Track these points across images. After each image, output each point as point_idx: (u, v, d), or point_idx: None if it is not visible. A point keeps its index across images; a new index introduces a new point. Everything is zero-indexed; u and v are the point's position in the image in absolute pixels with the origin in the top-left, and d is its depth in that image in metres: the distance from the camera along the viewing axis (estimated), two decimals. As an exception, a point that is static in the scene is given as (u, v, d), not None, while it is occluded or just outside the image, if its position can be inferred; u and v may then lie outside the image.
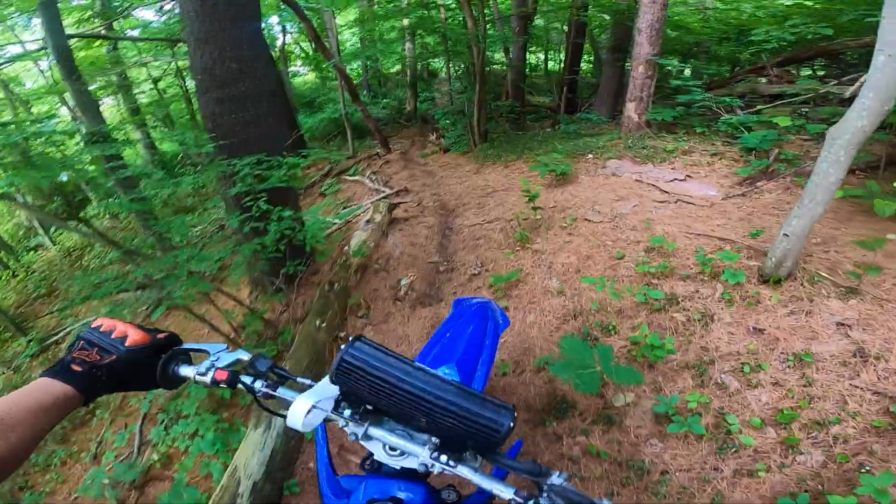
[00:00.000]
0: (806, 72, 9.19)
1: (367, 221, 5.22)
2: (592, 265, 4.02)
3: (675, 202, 4.77)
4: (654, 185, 5.17)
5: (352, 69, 18.31)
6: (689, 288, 3.44)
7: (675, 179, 5.21)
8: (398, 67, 17.25)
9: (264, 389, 0.94)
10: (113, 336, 0.87)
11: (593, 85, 12.71)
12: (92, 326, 0.90)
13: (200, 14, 3.60)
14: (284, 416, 0.87)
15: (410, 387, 0.86)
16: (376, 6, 14.66)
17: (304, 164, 4.54)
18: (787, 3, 9.40)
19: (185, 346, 0.97)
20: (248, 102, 3.87)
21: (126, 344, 0.87)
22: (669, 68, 7.37)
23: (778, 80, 8.10)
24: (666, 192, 5.00)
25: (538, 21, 11.43)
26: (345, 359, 0.88)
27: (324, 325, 3.98)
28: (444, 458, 0.87)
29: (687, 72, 9.40)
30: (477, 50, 7.94)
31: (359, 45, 15.85)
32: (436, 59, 16.15)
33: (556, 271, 4.10)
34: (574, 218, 4.74)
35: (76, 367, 0.81)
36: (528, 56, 11.91)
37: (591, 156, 6.34)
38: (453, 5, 11.22)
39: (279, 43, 16.08)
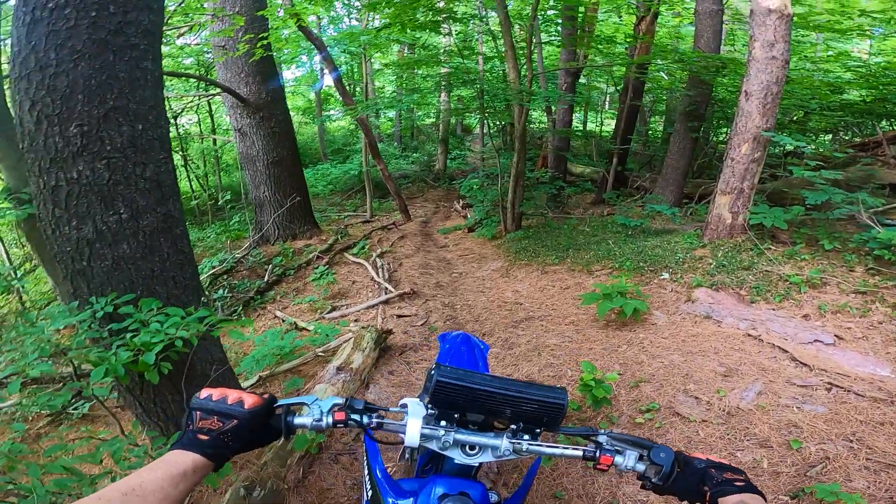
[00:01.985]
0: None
1: (339, 368, 3.30)
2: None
3: (828, 389, 2.70)
4: (781, 349, 3.11)
5: (388, 118, 17.02)
6: None
7: (818, 342, 3.13)
8: (432, 120, 15.77)
9: (374, 421, 0.99)
10: (230, 402, 0.88)
11: (645, 157, 10.74)
12: (201, 398, 0.89)
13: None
14: (393, 443, 1.13)
15: (497, 389, 0.98)
16: (415, 52, 13.29)
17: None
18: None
19: (283, 401, 0.97)
20: (119, 198, 2.06)
21: (246, 407, 0.88)
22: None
23: (898, 165, 5.97)
24: (805, 364, 2.94)
25: (581, 79, 9.65)
26: (440, 380, 0.96)
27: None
28: (526, 437, 1.00)
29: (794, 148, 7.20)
30: (519, 109, 6.13)
31: (395, 94, 14.49)
32: (470, 114, 14.57)
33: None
34: (656, 408, 2.72)
35: (202, 437, 0.82)
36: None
37: (666, 276, 4.31)
38: (492, 54, 9.60)
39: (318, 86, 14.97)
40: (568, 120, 8.85)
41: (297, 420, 0.95)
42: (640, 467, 0.94)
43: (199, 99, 10.48)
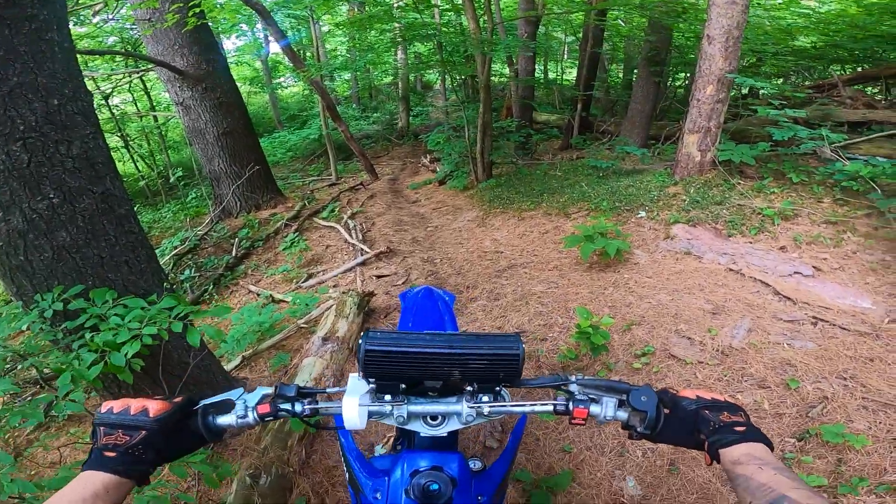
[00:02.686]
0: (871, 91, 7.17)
1: (325, 339, 3.11)
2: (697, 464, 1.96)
3: (814, 324, 2.71)
4: (763, 283, 3.11)
5: (344, 80, 16.10)
6: None
7: (797, 274, 3.14)
8: (390, 79, 15.03)
9: (308, 408, 0.89)
10: (133, 412, 0.80)
11: (608, 102, 10.59)
12: (102, 412, 0.81)
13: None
14: (334, 428, 1.07)
15: (438, 348, 0.85)
16: (366, 9, 12.43)
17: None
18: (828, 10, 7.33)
19: (204, 402, 0.86)
20: (45, 181, 1.75)
21: (151, 415, 0.79)
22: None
23: (853, 103, 6.06)
24: (788, 298, 2.94)
25: (540, 28, 9.26)
26: (369, 349, 0.85)
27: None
28: (485, 398, 0.88)
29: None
30: (482, 59, 5.81)
31: (348, 55, 13.66)
32: (430, 71, 13.93)
33: (635, 466, 2.05)
34: (651, 351, 2.67)
35: (109, 454, 0.74)
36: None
37: (643, 215, 4.25)
38: (448, 7, 9.06)
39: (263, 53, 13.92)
40: (531, 69, 8.52)
41: (220, 420, 0.86)
42: (622, 415, 0.82)
43: (130, 76, 9.49)
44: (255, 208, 6.78)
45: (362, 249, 4.97)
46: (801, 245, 3.41)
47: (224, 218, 6.64)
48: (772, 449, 0.72)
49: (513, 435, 1.25)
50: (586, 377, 0.89)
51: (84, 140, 1.82)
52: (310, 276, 4.69)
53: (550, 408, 0.86)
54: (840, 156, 4.11)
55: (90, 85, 9.31)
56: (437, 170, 7.98)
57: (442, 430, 0.91)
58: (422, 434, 0.91)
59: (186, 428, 0.83)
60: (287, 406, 0.88)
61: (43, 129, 1.68)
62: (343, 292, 3.72)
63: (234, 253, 5.42)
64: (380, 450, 2.39)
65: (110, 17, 8.48)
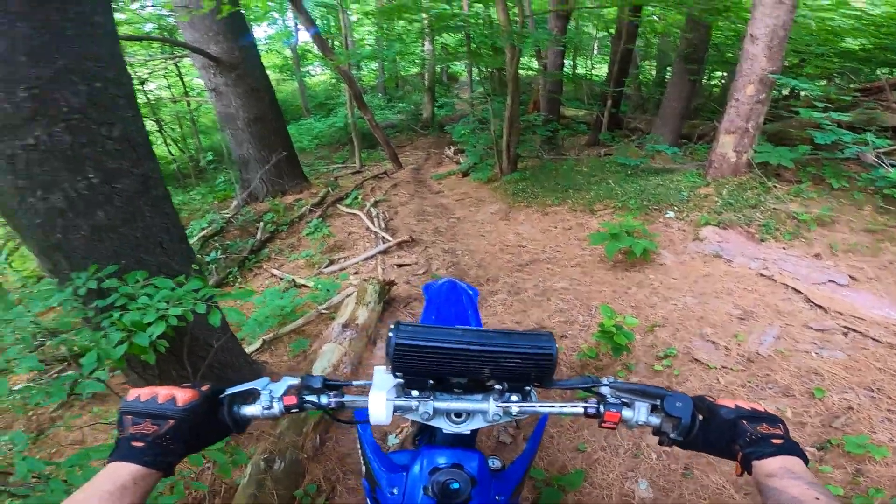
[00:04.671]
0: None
1: (345, 326, 3.12)
2: (716, 470, 1.90)
3: (845, 333, 2.61)
4: (794, 290, 2.99)
5: (371, 70, 16.09)
6: None
7: (831, 282, 3.01)
8: (417, 69, 14.97)
9: (333, 401, 0.87)
10: (161, 401, 0.77)
11: (638, 99, 10.34)
12: (129, 400, 0.77)
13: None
14: (358, 422, 1.03)
15: (470, 344, 0.83)
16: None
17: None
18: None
19: (230, 390, 0.84)
20: (86, 162, 1.78)
21: (179, 404, 0.76)
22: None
23: (900, 107, 5.75)
24: (821, 307, 2.83)
25: (570, 22, 9.07)
26: (400, 343, 0.83)
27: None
28: (514, 398, 0.85)
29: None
30: (511, 52, 5.72)
31: (376, 45, 13.65)
32: (457, 63, 13.82)
33: (649, 469, 2.01)
34: (674, 353, 2.61)
35: (137, 444, 0.71)
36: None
37: (671, 215, 4.13)
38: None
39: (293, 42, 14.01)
40: (559, 63, 8.36)
41: (246, 410, 0.84)
42: (655, 421, 0.79)
43: (166, 62, 9.67)
44: (280, 193, 6.86)
45: (384, 238, 4.98)
46: (838, 253, 3.27)
47: (250, 202, 6.73)
48: (807, 463, 0.69)
49: (533, 435, 1.22)
50: (619, 380, 0.86)
51: (125, 122, 1.85)
52: (331, 262, 4.72)
53: (581, 410, 0.84)
54: (883, 162, 3.92)
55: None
56: (461, 161, 7.93)
57: (465, 428, 0.88)
58: (444, 431, 0.89)
59: (213, 418, 0.81)
60: (313, 398, 0.87)
61: (87, 112, 1.71)
62: (364, 280, 3.72)
63: (258, 236, 5.50)
64: (393, 440, 2.39)
65: (148, 3, 8.65)
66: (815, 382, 2.27)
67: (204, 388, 0.82)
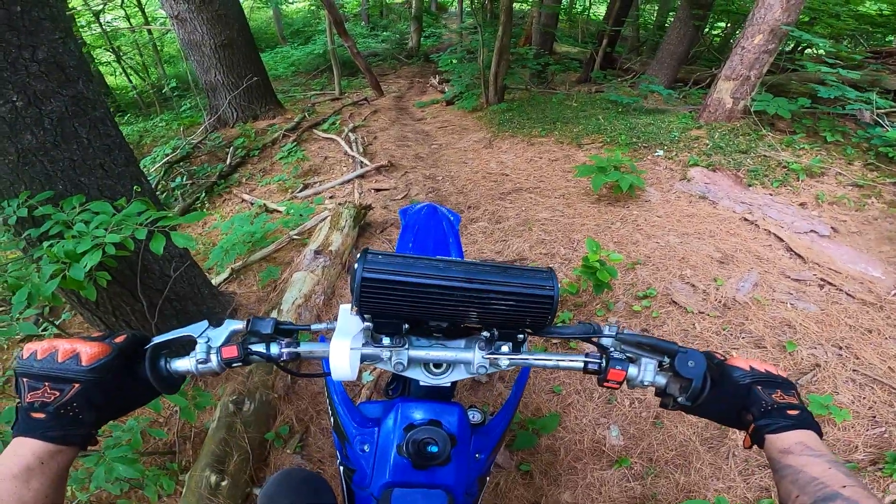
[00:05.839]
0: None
1: (318, 252, 2.96)
2: (683, 424, 1.92)
3: (821, 286, 2.58)
4: (776, 237, 2.94)
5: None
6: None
7: (813, 232, 2.97)
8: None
9: (286, 352, 0.71)
10: (60, 360, 0.59)
11: (634, 41, 9.87)
12: (24, 358, 0.60)
13: None
14: (318, 375, 0.86)
15: (454, 280, 0.66)
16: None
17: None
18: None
19: (156, 339, 0.67)
20: (7, 85, 1.51)
21: (84, 363, 0.60)
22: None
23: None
24: (800, 256, 2.79)
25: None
26: (366, 277, 0.65)
27: (224, 482, 1.82)
28: (504, 348, 0.73)
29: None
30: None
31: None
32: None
33: (621, 416, 2.01)
34: (653, 294, 2.56)
35: (37, 415, 0.56)
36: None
37: (660, 153, 4.00)
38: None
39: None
40: (556, -4, 7.85)
41: (176, 365, 0.68)
42: (661, 381, 0.68)
43: None
44: (252, 119, 6.43)
45: (362, 162, 4.73)
46: (823, 204, 3.22)
47: (219, 128, 6.31)
48: (821, 436, 0.60)
49: (516, 385, 1.10)
50: (625, 330, 0.73)
51: (52, 44, 1.66)
52: (306, 186, 4.49)
53: (580, 364, 0.72)
54: (882, 122, 3.83)
55: (78, 2, 8.63)
56: (446, 90, 7.55)
57: (445, 381, 0.76)
58: (421, 383, 0.77)
59: (133, 376, 0.64)
60: (261, 348, 0.71)
61: (5, 36, 1.53)
62: (339, 204, 3.53)
63: (228, 161, 5.17)
64: (368, 377, 2.30)
65: None
66: (787, 335, 2.25)
67: (118, 339, 0.65)
